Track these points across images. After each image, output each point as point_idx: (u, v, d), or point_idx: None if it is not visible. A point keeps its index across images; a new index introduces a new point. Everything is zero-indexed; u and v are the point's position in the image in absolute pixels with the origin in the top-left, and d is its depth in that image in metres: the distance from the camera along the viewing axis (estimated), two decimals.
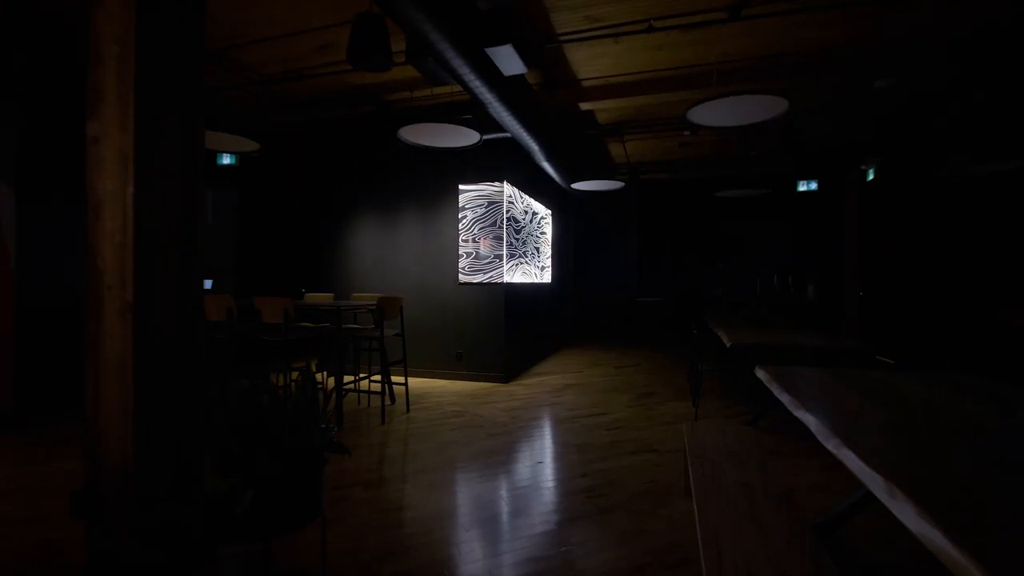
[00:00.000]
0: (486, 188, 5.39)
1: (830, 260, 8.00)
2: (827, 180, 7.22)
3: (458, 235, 5.49)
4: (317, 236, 6.21)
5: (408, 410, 4.23)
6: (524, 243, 6.07)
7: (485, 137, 5.03)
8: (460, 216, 5.47)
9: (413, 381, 5.37)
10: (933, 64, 4.30)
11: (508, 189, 5.42)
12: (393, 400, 4.43)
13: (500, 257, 5.32)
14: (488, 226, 5.37)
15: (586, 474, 2.86)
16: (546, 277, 7.19)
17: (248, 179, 7.05)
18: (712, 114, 3.60)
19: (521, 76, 4.06)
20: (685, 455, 2.39)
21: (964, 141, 5.60)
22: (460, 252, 5.48)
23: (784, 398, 1.79)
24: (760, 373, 2.23)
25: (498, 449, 3.26)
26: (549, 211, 7.36)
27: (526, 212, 6.11)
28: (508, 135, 4.92)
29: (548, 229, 7.33)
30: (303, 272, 6.47)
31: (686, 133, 6.22)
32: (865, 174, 6.59)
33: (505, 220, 5.33)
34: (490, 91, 3.65)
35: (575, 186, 6.26)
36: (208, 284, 7.09)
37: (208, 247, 7.11)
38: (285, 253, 6.89)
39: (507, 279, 5.39)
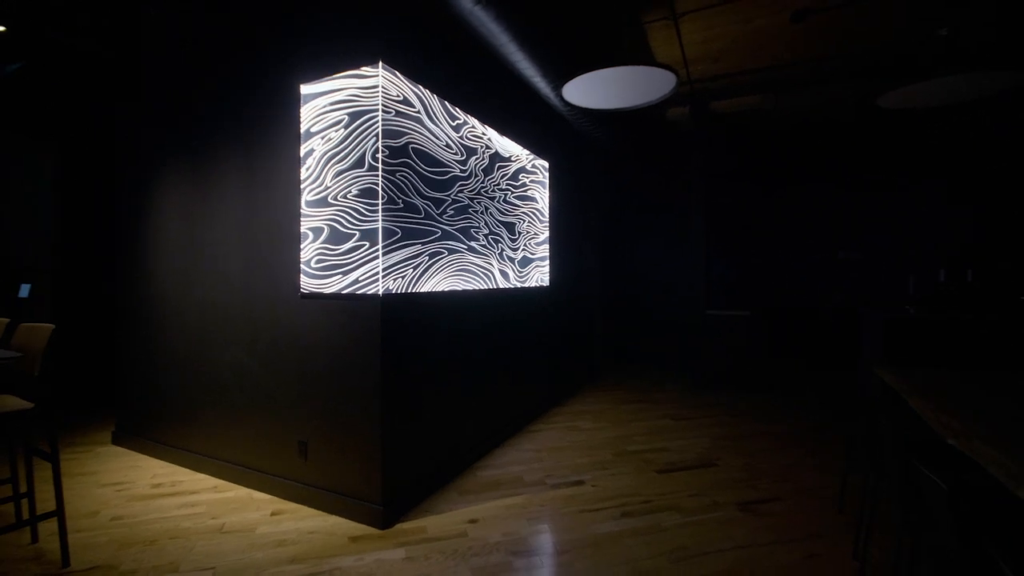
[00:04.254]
0: (345, 85, 2.41)
1: None
2: None
3: (299, 193, 2.57)
4: (122, 213, 3.54)
5: None
6: (464, 211, 3.02)
7: None
8: (304, 152, 2.54)
9: (215, 499, 2.50)
10: None
11: (391, 82, 2.41)
12: None
13: (373, 235, 2.33)
14: (350, 168, 2.40)
15: None
16: (536, 277, 4.09)
17: (76, 126, 4.55)
18: None
19: None
20: None
21: None
22: (303, 227, 2.55)
23: None
24: None
25: None
26: (545, 163, 4.24)
27: (462, 147, 3.05)
28: None
29: (539, 195, 4.20)
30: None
31: None
32: None
33: (380, 150, 2.32)
34: None
35: (570, 95, 3.11)
36: (25, 291, 4.70)
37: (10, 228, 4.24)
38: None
39: (388, 285, 2.38)
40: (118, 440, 3.40)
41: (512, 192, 3.67)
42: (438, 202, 2.76)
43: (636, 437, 3.66)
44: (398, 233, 2.43)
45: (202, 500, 2.62)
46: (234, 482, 2.81)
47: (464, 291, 3.02)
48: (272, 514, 2.47)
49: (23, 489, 2.24)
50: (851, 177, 6.25)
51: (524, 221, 3.87)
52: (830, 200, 6.34)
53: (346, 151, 2.40)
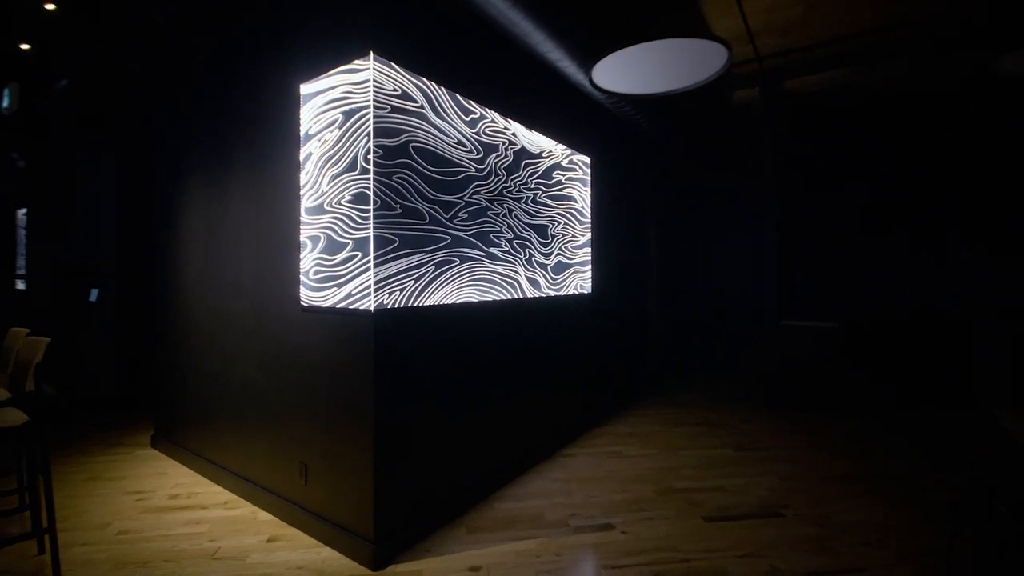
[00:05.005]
0: (340, 82, 2.21)
1: None
2: None
3: (299, 200, 2.42)
4: (153, 217, 3.64)
5: None
6: (481, 215, 2.73)
7: None
8: (303, 156, 2.39)
9: (221, 516, 2.40)
10: None
11: (386, 75, 2.17)
12: None
13: (366, 245, 2.11)
14: (344, 171, 2.20)
15: None
16: (575, 284, 3.72)
17: (131, 135, 4.81)
18: None
19: None
20: None
21: None
22: (302, 236, 2.40)
23: None
24: None
25: None
26: (585, 159, 3.85)
27: (479, 144, 2.76)
28: None
29: (578, 193, 3.82)
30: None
31: None
32: None
33: (373, 150, 2.09)
34: None
35: (603, 79, 2.72)
36: (94, 296, 5.08)
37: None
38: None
39: (383, 299, 2.14)
40: (155, 443, 3.50)
41: (543, 191, 3.33)
42: (448, 205, 2.50)
43: (686, 470, 3.18)
44: (395, 241, 2.19)
45: (209, 517, 2.55)
46: (244, 499, 2.73)
47: (480, 303, 2.73)
48: (268, 540, 2.33)
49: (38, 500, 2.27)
50: (963, 160, 5.20)
51: (559, 223, 3.51)
52: (937, 189, 5.32)
53: (340, 153, 2.20)
